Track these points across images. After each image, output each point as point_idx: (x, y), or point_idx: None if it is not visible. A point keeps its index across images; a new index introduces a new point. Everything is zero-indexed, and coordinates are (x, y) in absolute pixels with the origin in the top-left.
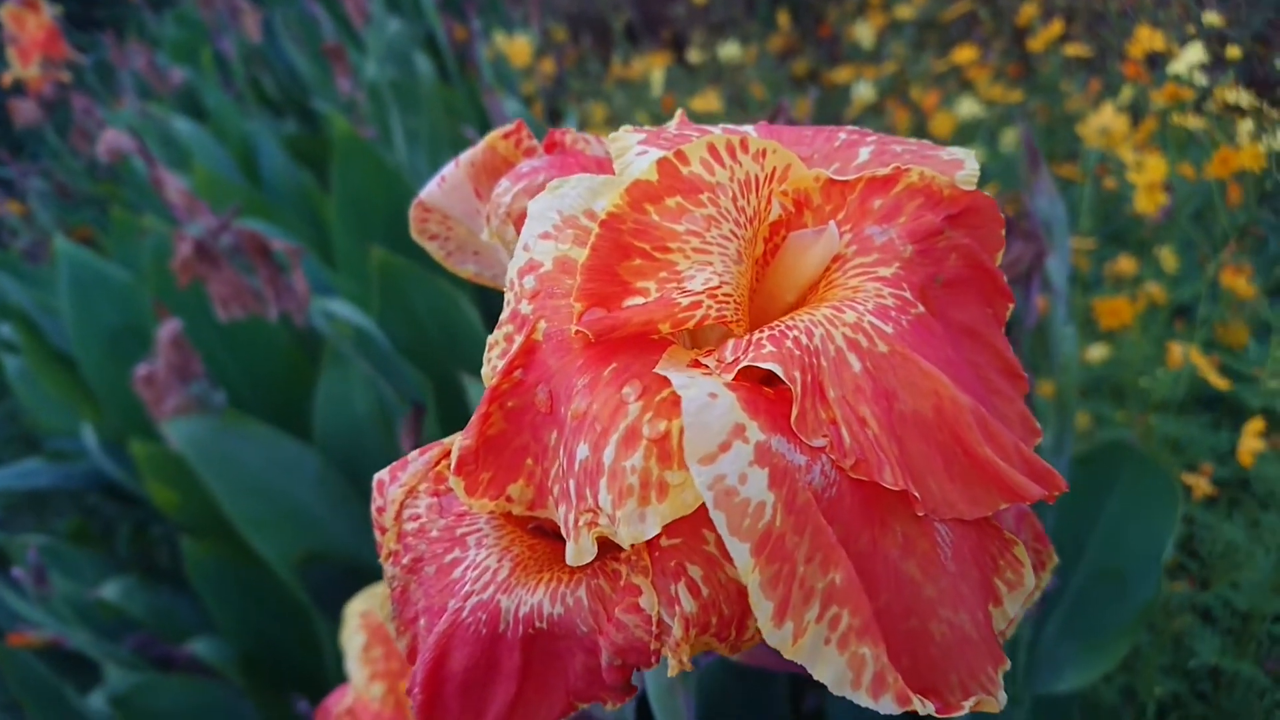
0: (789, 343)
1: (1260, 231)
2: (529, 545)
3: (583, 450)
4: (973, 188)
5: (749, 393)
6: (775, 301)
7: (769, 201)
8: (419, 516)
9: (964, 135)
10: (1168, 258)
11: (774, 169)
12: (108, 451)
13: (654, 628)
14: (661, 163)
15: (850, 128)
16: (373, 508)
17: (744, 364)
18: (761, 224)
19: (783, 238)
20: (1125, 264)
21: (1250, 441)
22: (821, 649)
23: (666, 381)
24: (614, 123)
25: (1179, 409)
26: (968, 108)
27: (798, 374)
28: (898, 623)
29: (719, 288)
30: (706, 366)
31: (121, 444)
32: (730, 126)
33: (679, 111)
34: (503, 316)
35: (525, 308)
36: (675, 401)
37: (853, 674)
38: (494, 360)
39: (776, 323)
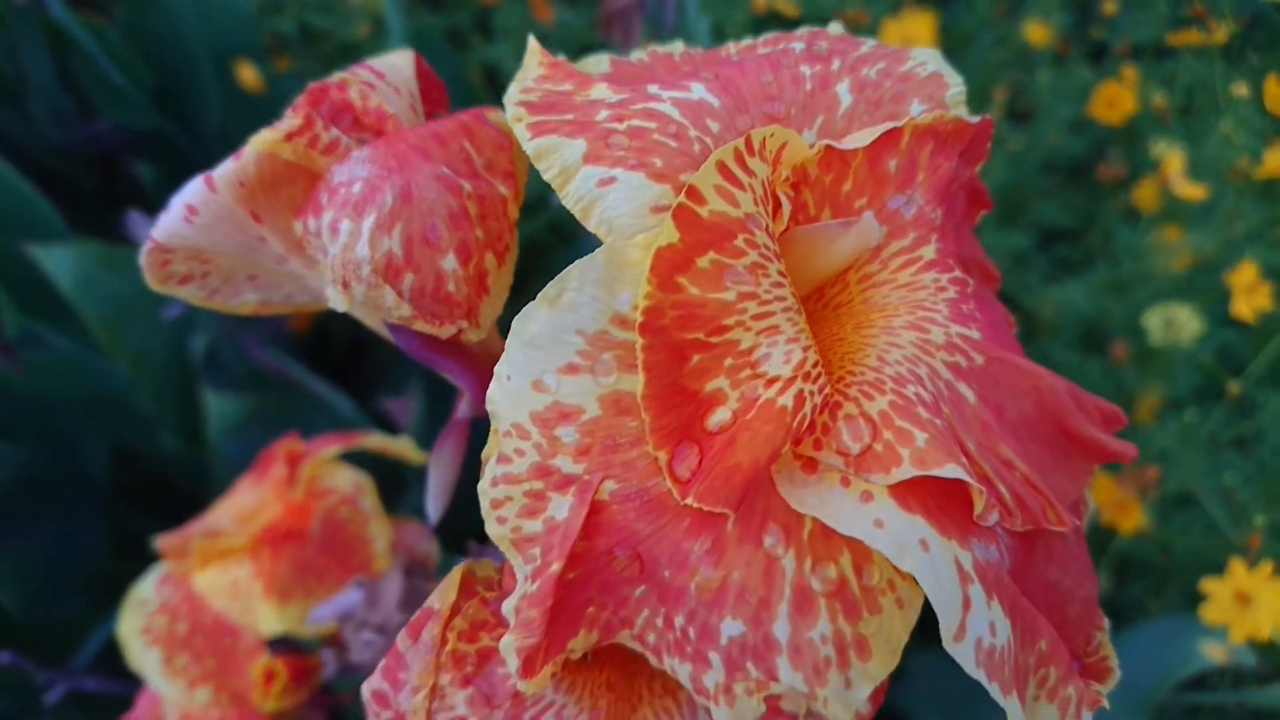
0: (920, 409)
1: None
2: (606, 685)
3: (733, 626)
4: (964, 107)
5: (922, 503)
6: None
7: (777, 200)
8: (464, 717)
9: None
10: None
11: (772, 153)
12: None
13: None
14: (679, 214)
15: (800, 42)
16: None
17: (908, 474)
18: (778, 228)
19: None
20: None
21: None
22: (1036, 705)
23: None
24: None
25: None
26: None
27: (965, 460)
28: (1055, 624)
29: (804, 361)
30: (830, 466)
31: None
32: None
33: (532, 46)
34: (510, 468)
35: (569, 465)
36: (828, 533)
37: (1060, 713)
38: (512, 519)
39: (872, 361)
